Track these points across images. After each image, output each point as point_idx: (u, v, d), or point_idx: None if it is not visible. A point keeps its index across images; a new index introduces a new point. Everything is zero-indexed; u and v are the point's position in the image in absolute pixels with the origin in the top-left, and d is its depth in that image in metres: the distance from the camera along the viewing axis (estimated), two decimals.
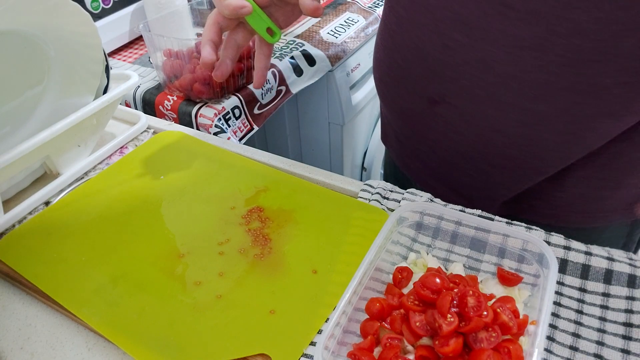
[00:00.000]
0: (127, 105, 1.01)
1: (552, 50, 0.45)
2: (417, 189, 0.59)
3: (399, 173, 0.75)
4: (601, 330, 0.44)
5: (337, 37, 1.16)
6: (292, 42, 1.12)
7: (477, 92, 0.51)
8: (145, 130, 0.74)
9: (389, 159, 0.80)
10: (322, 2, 1.30)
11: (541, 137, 0.51)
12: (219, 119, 0.91)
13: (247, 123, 0.98)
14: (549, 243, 0.50)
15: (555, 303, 0.46)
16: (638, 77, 0.45)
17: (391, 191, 0.60)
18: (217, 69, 0.55)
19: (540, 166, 0.55)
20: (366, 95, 1.29)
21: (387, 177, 0.83)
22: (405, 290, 0.46)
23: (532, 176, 0.57)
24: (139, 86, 1.00)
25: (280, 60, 1.04)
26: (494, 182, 0.59)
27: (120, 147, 0.72)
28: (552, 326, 0.45)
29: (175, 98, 0.95)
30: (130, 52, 1.16)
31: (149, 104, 0.98)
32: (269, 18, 0.54)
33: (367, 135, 1.42)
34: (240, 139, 0.96)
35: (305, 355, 0.44)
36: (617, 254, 0.49)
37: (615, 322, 0.44)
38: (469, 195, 0.63)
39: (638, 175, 0.55)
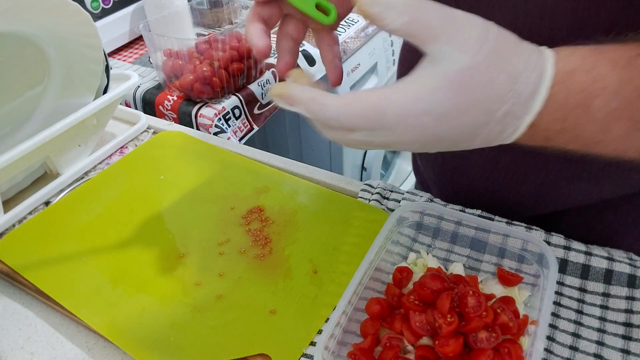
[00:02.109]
0: (127, 105, 1.01)
1: None
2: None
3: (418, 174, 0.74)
4: (601, 330, 0.44)
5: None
6: None
7: None
8: (145, 130, 0.74)
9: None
10: None
11: (505, 192, 0.51)
12: (219, 119, 0.91)
13: (247, 123, 0.98)
14: (549, 243, 0.50)
15: (555, 303, 0.46)
16: None
17: (391, 191, 0.60)
18: (279, 62, 0.46)
19: (507, 213, 0.54)
20: None
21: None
22: (405, 290, 0.46)
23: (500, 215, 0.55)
24: (139, 86, 1.00)
25: None
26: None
27: (120, 147, 0.72)
28: (552, 326, 0.45)
29: (175, 98, 0.95)
30: (130, 52, 1.16)
31: (149, 104, 0.98)
32: None
33: None
34: (240, 139, 0.96)
35: (305, 355, 0.44)
36: (617, 254, 0.49)
37: (615, 322, 0.44)
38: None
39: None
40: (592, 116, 0.30)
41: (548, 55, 0.30)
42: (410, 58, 0.61)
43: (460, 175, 0.55)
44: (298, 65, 0.41)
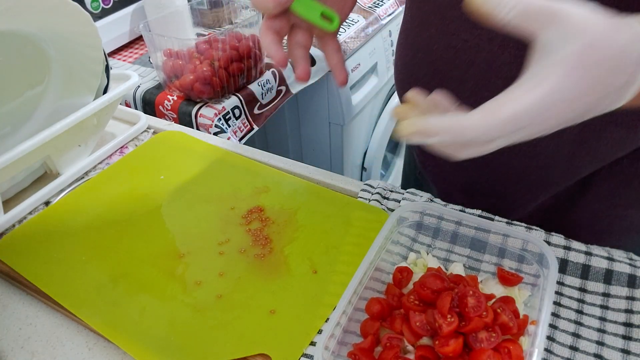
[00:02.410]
0: (127, 105, 1.01)
1: None
2: (434, 194, 0.59)
3: (417, 174, 0.74)
4: (601, 330, 0.44)
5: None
6: None
7: (484, 95, 0.50)
8: (145, 130, 0.74)
9: (409, 157, 0.79)
10: None
11: (547, 146, 0.50)
12: (219, 119, 0.91)
13: (247, 123, 0.98)
14: (549, 243, 0.50)
15: (555, 303, 0.46)
16: None
17: (391, 191, 0.60)
18: (297, 69, 0.49)
19: (548, 179, 0.53)
20: (366, 95, 1.29)
21: (405, 177, 0.82)
22: (405, 290, 0.46)
23: (541, 189, 0.55)
24: (139, 86, 1.00)
25: None
26: (503, 192, 0.58)
27: (120, 147, 0.72)
28: (552, 326, 0.45)
29: (175, 98, 0.95)
30: (130, 52, 1.16)
31: (149, 104, 0.98)
32: (319, 3, 0.46)
33: (367, 135, 1.42)
34: (240, 139, 0.96)
35: (305, 355, 0.44)
36: (617, 254, 0.49)
37: (615, 322, 0.44)
38: (484, 203, 0.61)
39: None
40: None
41: None
42: (398, 57, 0.61)
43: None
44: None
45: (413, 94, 0.37)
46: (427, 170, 0.66)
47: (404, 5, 1.39)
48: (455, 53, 0.50)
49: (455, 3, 0.48)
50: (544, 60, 0.30)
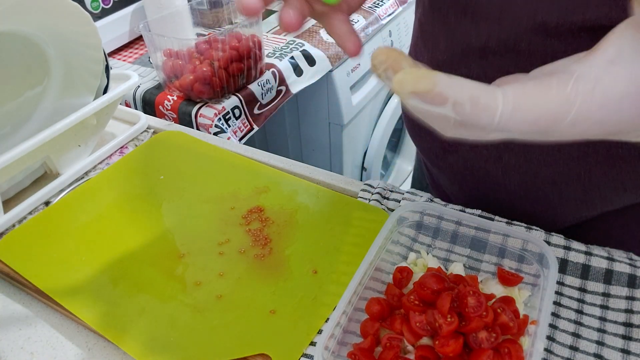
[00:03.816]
0: (127, 105, 1.01)
1: None
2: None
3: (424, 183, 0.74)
4: (601, 330, 0.44)
5: None
6: (292, 42, 1.12)
7: (483, 152, 0.50)
8: (145, 130, 0.74)
9: (419, 163, 0.79)
10: None
11: (547, 197, 0.50)
12: (219, 119, 0.91)
13: (247, 123, 0.98)
14: (549, 243, 0.50)
15: (555, 303, 0.46)
16: None
17: (391, 191, 0.60)
18: (282, 9, 0.36)
19: (546, 219, 0.53)
20: (366, 96, 1.29)
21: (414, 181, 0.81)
22: (405, 290, 0.46)
23: (550, 226, 0.53)
24: (139, 86, 1.00)
25: (280, 60, 1.04)
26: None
27: (120, 147, 0.72)
28: (552, 326, 0.45)
29: (175, 98, 0.95)
30: (130, 52, 1.16)
31: (149, 104, 0.98)
32: None
33: (367, 135, 1.42)
34: (240, 139, 0.96)
35: (305, 355, 0.44)
36: (617, 254, 0.49)
37: (615, 322, 0.44)
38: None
39: None
40: None
41: None
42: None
43: (498, 187, 0.52)
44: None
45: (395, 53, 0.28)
46: (433, 181, 0.66)
47: (403, 6, 1.39)
48: None
49: (453, 64, 0.48)
50: (626, 58, 0.24)
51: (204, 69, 0.89)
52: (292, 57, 1.06)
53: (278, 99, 1.04)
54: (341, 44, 0.39)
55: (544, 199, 0.51)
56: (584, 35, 0.39)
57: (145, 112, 0.85)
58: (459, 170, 0.56)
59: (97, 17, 1.06)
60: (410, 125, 0.61)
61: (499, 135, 0.26)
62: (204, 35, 1.09)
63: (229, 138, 0.91)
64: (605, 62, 0.24)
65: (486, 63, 0.46)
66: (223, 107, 0.92)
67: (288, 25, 0.36)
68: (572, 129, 0.24)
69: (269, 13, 1.27)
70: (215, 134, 0.90)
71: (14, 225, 0.59)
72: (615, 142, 0.43)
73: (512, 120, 0.24)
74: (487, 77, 0.46)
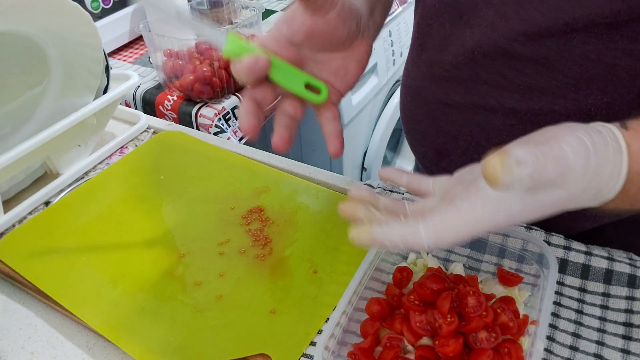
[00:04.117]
0: (127, 105, 1.01)
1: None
2: None
3: None
4: (601, 330, 0.44)
5: None
6: None
7: (473, 157, 0.50)
8: (145, 130, 0.74)
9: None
10: None
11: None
12: (219, 119, 0.91)
13: None
14: (549, 243, 0.50)
15: (555, 303, 0.46)
16: None
17: (391, 191, 0.60)
18: (274, 136, 0.46)
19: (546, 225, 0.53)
20: (366, 96, 1.29)
21: None
22: (405, 290, 0.46)
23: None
24: (139, 86, 1.00)
25: None
26: None
27: (120, 147, 0.72)
28: (552, 326, 0.45)
29: (175, 98, 0.95)
30: (130, 52, 1.16)
31: (149, 104, 0.98)
32: (304, 72, 0.43)
33: (367, 135, 1.42)
34: (240, 139, 0.96)
35: (305, 355, 0.44)
36: (617, 254, 0.49)
37: (615, 322, 0.44)
38: None
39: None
40: None
41: (624, 154, 0.31)
42: (403, 104, 0.60)
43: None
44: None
45: (356, 192, 0.39)
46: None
47: (403, 6, 1.39)
48: (450, 110, 0.51)
49: (448, 67, 0.48)
50: (517, 195, 0.31)
51: (204, 69, 0.89)
52: None
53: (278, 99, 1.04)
54: (326, 142, 0.45)
55: None
56: (575, 36, 0.39)
57: (145, 112, 0.85)
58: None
59: (97, 17, 1.06)
60: (407, 129, 0.61)
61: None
62: None
63: (229, 138, 0.91)
64: (495, 203, 0.31)
65: (479, 66, 0.46)
66: (223, 107, 0.92)
67: (281, 148, 0.44)
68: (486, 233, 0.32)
69: (269, 13, 1.27)
70: (215, 134, 0.90)
71: (14, 225, 0.59)
72: None
73: (438, 244, 0.31)
74: (480, 78, 0.47)
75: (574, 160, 0.30)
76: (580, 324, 0.45)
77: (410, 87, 0.56)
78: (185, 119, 0.94)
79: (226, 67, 0.91)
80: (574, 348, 0.43)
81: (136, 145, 0.72)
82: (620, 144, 0.31)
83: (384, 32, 1.31)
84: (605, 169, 0.30)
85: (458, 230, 0.31)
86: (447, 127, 0.52)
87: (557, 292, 0.47)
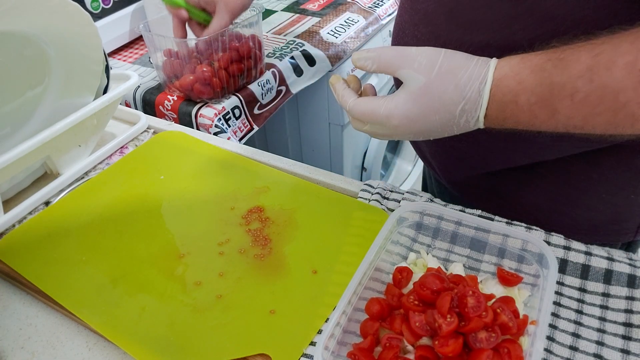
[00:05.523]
0: (127, 105, 1.01)
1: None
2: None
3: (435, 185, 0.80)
4: (601, 330, 0.44)
5: (337, 37, 1.16)
6: (292, 42, 1.11)
7: None
8: (145, 130, 0.74)
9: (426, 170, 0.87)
10: (323, 2, 1.30)
11: (480, 136, 0.53)
12: (219, 119, 0.91)
13: (247, 123, 0.98)
14: (549, 243, 0.50)
15: (555, 303, 0.46)
16: None
17: (391, 191, 0.60)
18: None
19: (482, 161, 0.58)
20: None
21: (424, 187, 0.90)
22: (405, 290, 0.46)
23: (475, 167, 0.60)
24: (139, 86, 1.00)
25: (280, 60, 1.04)
26: (444, 161, 0.63)
27: (120, 147, 0.72)
28: (552, 326, 0.45)
29: (175, 98, 0.95)
30: (130, 52, 1.16)
31: (149, 104, 0.98)
32: (201, 11, 0.84)
33: (367, 135, 1.42)
34: (240, 139, 0.96)
35: (305, 355, 0.44)
36: (617, 254, 0.49)
37: (615, 322, 0.44)
38: (432, 168, 0.69)
39: (599, 198, 0.55)
40: (521, 108, 0.40)
41: (491, 66, 0.41)
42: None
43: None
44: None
45: (352, 77, 0.50)
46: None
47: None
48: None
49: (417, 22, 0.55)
50: (402, 88, 0.43)
51: (204, 69, 0.89)
52: (292, 57, 1.06)
53: (278, 99, 1.04)
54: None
55: (477, 137, 0.53)
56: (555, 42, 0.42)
57: (145, 112, 0.85)
58: None
59: (97, 17, 1.06)
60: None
61: (369, 128, 0.47)
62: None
63: (229, 138, 0.91)
64: (392, 96, 0.44)
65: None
66: (223, 107, 0.92)
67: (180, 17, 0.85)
68: (388, 121, 0.44)
69: (269, 13, 1.27)
70: (215, 134, 0.90)
71: (14, 225, 0.59)
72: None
73: (354, 110, 0.46)
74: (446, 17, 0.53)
75: (416, 53, 0.42)
76: (580, 324, 0.45)
77: (398, 23, 0.64)
78: (185, 119, 0.94)
79: (226, 67, 0.91)
80: (573, 348, 0.43)
81: (136, 145, 0.72)
82: (489, 60, 0.41)
83: (384, 32, 1.31)
84: (461, 71, 0.41)
85: (365, 104, 0.45)
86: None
87: (556, 292, 0.47)
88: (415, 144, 0.72)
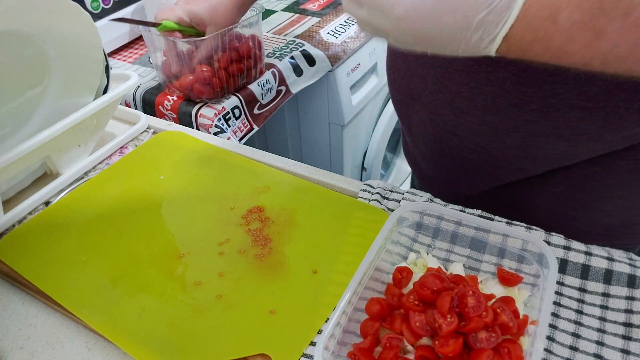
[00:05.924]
0: (127, 105, 1.01)
1: (503, 68, 0.47)
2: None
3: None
4: (601, 330, 0.44)
5: (337, 37, 1.16)
6: (292, 42, 1.11)
7: (439, 96, 0.55)
8: (145, 130, 0.74)
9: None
10: (322, 2, 1.30)
11: (492, 147, 0.53)
12: (219, 119, 0.91)
13: (247, 123, 0.98)
14: (549, 243, 0.50)
15: (555, 303, 0.46)
16: (592, 102, 0.45)
17: (391, 191, 0.60)
18: None
19: (495, 173, 0.57)
20: (366, 96, 1.29)
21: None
22: (405, 290, 0.46)
23: (488, 180, 0.59)
24: (139, 86, 1.00)
25: (280, 60, 1.04)
26: (454, 177, 0.63)
27: (120, 147, 0.72)
28: (552, 326, 0.45)
29: (175, 98, 0.95)
30: (130, 52, 1.16)
31: (149, 104, 0.98)
32: (190, 28, 0.86)
33: (367, 135, 1.42)
34: (240, 139, 0.96)
35: (305, 355, 0.44)
36: (617, 254, 0.49)
37: (615, 322, 0.44)
38: (435, 186, 0.68)
39: (613, 202, 0.54)
40: (559, 27, 0.33)
41: None
42: (388, 53, 0.66)
43: (452, 134, 0.58)
44: None
45: None
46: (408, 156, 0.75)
47: None
48: (420, 55, 0.55)
49: None
50: None
51: (204, 69, 0.89)
52: (292, 57, 1.06)
53: (278, 99, 1.04)
54: None
55: (488, 149, 0.54)
56: None
57: (145, 112, 0.85)
58: (422, 116, 0.60)
59: (97, 17, 1.06)
60: (389, 80, 0.66)
61: (365, 14, 0.40)
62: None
63: (229, 138, 0.91)
64: None
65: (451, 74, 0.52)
66: (223, 107, 0.92)
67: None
68: (392, 8, 0.37)
69: (269, 13, 1.27)
70: (215, 134, 0.90)
71: (14, 226, 0.59)
72: (549, 93, 0.46)
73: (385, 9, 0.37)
74: (455, 82, 0.52)
75: None
76: (580, 324, 0.45)
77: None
78: (185, 119, 0.94)
79: (226, 67, 0.91)
80: (573, 348, 0.43)
81: (136, 145, 0.72)
82: None
83: None
84: None
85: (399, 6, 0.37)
86: (418, 71, 0.57)
87: (557, 292, 0.47)
88: (416, 164, 0.71)
